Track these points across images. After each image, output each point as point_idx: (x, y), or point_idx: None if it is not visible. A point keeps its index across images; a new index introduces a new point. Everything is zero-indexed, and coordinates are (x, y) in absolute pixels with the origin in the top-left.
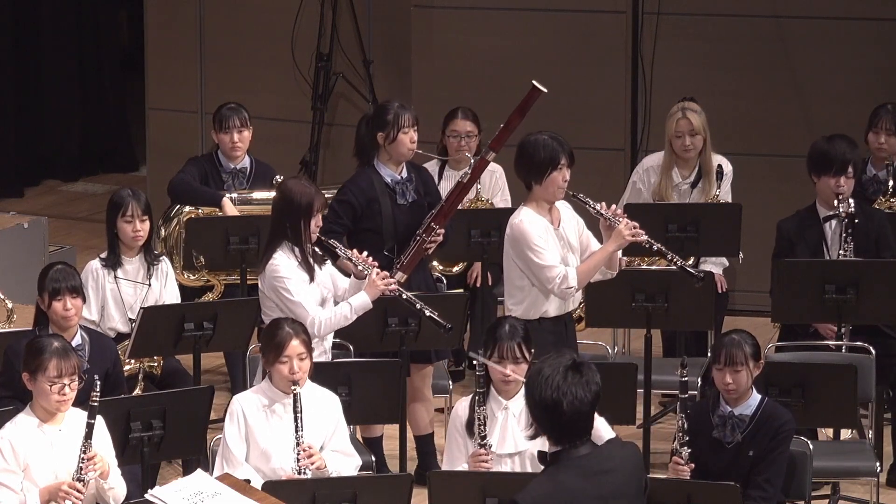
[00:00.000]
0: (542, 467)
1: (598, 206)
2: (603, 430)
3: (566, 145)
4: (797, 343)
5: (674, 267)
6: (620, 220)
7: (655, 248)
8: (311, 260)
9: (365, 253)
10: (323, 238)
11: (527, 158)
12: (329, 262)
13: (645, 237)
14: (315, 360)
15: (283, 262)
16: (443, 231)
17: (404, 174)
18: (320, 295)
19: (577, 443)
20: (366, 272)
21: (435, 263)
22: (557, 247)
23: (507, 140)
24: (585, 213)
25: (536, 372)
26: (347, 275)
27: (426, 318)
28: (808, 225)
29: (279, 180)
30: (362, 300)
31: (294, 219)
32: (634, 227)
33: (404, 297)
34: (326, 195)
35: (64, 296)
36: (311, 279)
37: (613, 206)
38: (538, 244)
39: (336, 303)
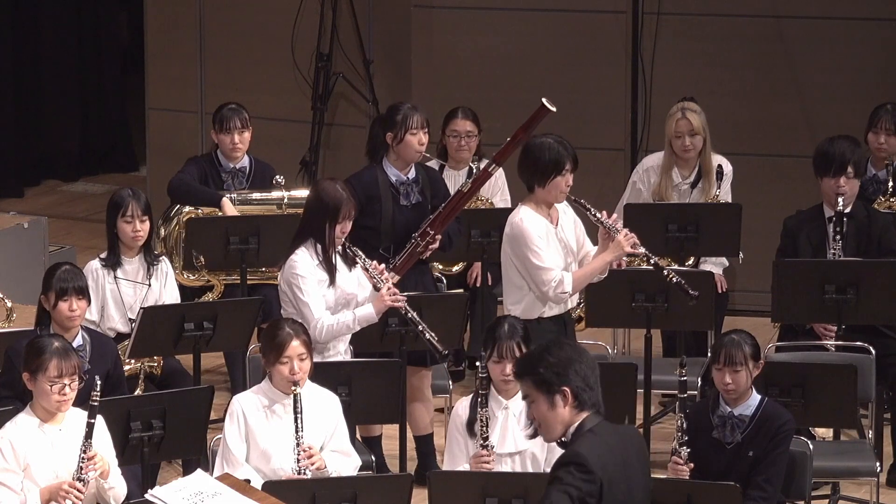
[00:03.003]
0: (544, 467)
1: (598, 214)
2: None
3: (571, 150)
4: (797, 343)
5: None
6: (620, 230)
7: (653, 261)
8: (333, 262)
9: (382, 265)
10: (347, 244)
11: (531, 161)
12: (359, 267)
13: (643, 250)
14: (331, 360)
15: (303, 260)
16: (439, 237)
17: (411, 175)
18: (335, 298)
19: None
20: (379, 285)
21: (435, 263)
22: (558, 249)
23: (511, 154)
24: (582, 213)
25: (545, 352)
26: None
27: (425, 340)
28: (812, 224)
29: (279, 180)
30: (367, 312)
31: (320, 219)
32: (634, 239)
33: (409, 315)
34: None
35: (70, 296)
36: (332, 281)
37: (615, 216)
38: (537, 245)
39: None
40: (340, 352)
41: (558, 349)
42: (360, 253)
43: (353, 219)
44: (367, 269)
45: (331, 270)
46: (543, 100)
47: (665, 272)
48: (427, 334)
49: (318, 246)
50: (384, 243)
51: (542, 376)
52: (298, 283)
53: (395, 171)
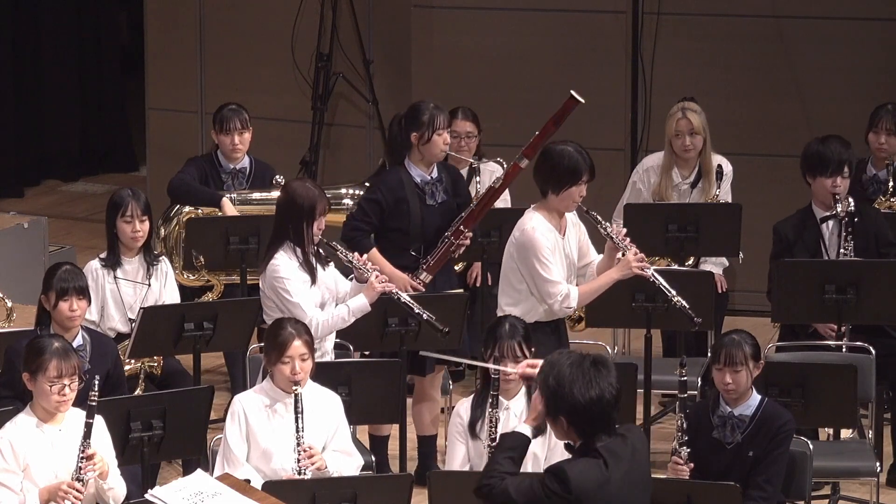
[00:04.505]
0: (544, 467)
1: (608, 229)
2: None
3: (589, 160)
4: (797, 343)
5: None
6: (629, 247)
7: (658, 284)
8: (312, 261)
9: (364, 256)
10: (325, 240)
11: (549, 166)
12: (332, 264)
13: (651, 271)
14: (324, 360)
15: (284, 263)
16: (470, 234)
17: (434, 174)
18: (321, 297)
19: (603, 435)
20: (366, 275)
21: None
22: (563, 262)
23: (541, 147)
24: (591, 224)
25: (558, 372)
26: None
27: (423, 322)
28: (805, 226)
29: (279, 180)
30: (360, 303)
31: (296, 221)
32: (642, 259)
33: (402, 300)
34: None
35: (71, 296)
36: (313, 281)
37: (624, 230)
38: (546, 257)
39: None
40: (328, 351)
41: (571, 371)
42: (340, 247)
43: (326, 214)
44: (350, 262)
45: (311, 270)
46: (572, 91)
47: (670, 295)
48: (425, 315)
49: (297, 248)
50: (414, 244)
51: (545, 395)
52: (284, 285)
53: (418, 171)
